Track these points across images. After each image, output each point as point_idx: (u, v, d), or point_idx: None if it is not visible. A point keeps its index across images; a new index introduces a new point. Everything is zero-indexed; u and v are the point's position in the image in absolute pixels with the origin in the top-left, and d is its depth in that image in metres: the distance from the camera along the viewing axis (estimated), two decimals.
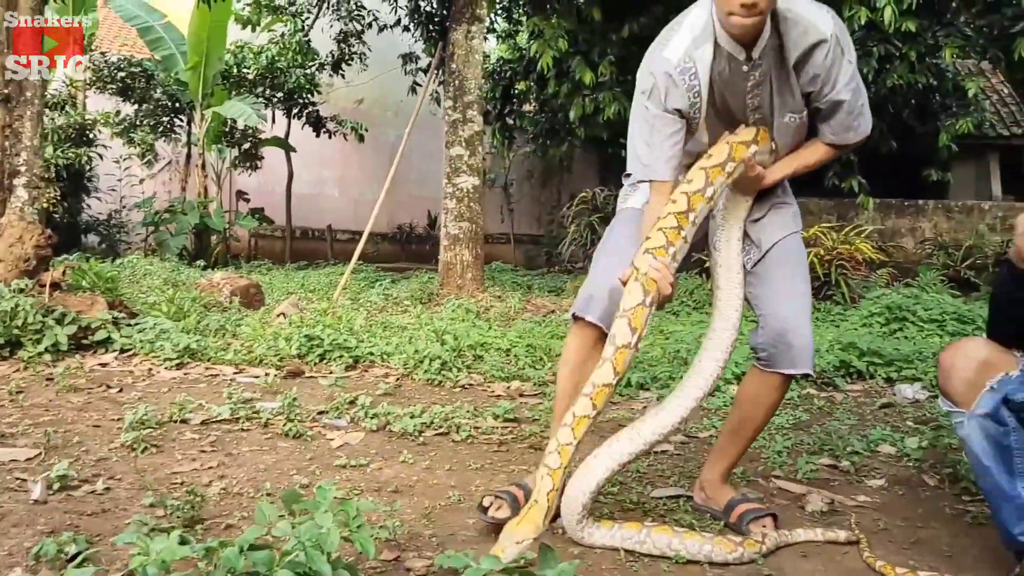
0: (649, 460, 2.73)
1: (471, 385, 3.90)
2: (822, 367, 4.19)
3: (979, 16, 8.08)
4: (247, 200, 13.22)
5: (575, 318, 2.06)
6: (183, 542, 1.42)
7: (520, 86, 12.13)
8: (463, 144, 7.03)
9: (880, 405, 3.71)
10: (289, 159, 13.13)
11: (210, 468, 2.50)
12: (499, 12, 11.97)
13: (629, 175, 2.26)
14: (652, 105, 1.91)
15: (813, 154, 2.10)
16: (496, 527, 1.92)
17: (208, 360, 4.09)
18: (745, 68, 1.89)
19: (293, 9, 12.23)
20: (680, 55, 1.87)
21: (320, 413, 3.17)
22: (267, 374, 3.79)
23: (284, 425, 2.92)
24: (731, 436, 2.22)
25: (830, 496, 2.43)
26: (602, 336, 1.99)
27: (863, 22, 7.02)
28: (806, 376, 2.11)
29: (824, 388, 4.09)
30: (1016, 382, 1.75)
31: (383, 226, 14.48)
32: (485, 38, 13.68)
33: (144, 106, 11.88)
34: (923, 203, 10.27)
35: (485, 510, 2.05)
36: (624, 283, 1.87)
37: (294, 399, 3.13)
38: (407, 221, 15.25)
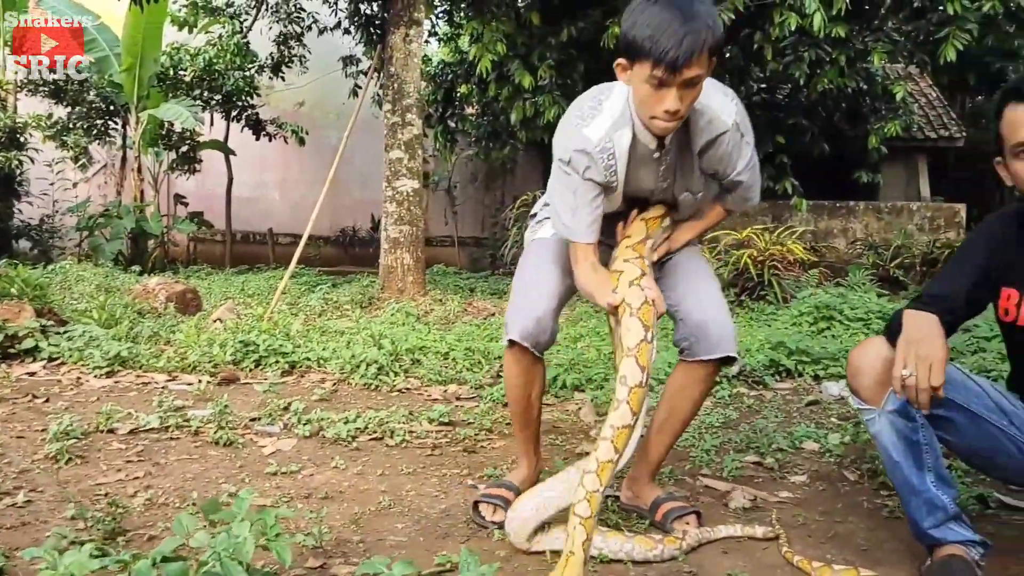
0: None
1: (408, 389, 3.89)
2: (752, 366, 4.30)
3: (906, 22, 8.35)
4: (185, 204, 12.94)
5: (510, 343, 2.10)
6: (102, 554, 1.39)
7: (462, 89, 12.13)
8: (402, 147, 7.00)
9: (807, 402, 3.80)
10: (228, 162, 12.90)
11: (136, 479, 2.45)
12: (440, 15, 11.96)
13: (535, 215, 2.37)
14: (573, 173, 1.97)
15: (713, 218, 2.31)
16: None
17: (140, 368, 4.01)
18: (656, 155, 1.99)
19: (231, 11, 12.04)
20: (601, 135, 1.93)
21: (253, 420, 3.14)
22: (200, 381, 3.73)
23: (215, 433, 2.88)
24: (658, 432, 2.26)
25: (753, 493, 2.49)
26: (536, 357, 2.10)
27: (793, 27, 7.20)
28: (730, 361, 2.13)
29: (754, 387, 4.19)
30: None
31: (325, 229, 14.33)
32: (427, 41, 13.66)
33: (77, 108, 11.54)
34: (854, 204, 10.58)
35: (481, 515, 2.17)
36: (614, 312, 1.91)
37: (225, 406, 3.09)
38: (350, 224, 15.12)
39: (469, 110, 13.19)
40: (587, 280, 2.02)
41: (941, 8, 7.74)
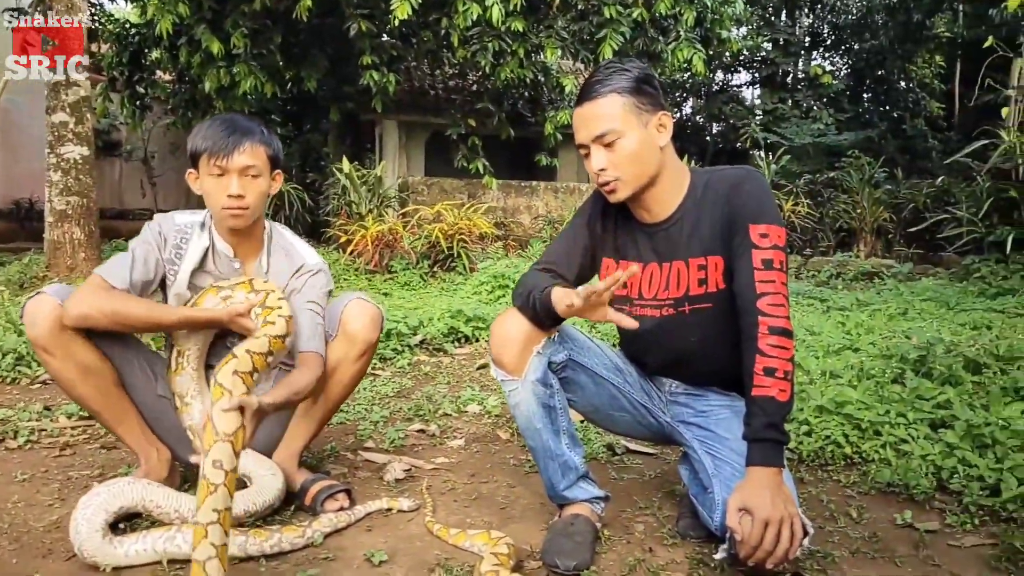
0: None
1: None
2: (433, 334, 4.25)
3: (573, 21, 8.87)
4: None
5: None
6: None
7: (155, 54, 10.79)
8: (67, 110, 5.98)
9: (478, 366, 3.82)
10: None
11: None
12: None
13: None
14: (140, 239, 1.96)
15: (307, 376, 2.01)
16: None
17: None
18: (237, 266, 2.01)
19: None
20: (184, 222, 1.99)
21: None
22: None
23: None
24: (303, 417, 2.07)
25: (410, 463, 2.39)
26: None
27: (475, 17, 7.28)
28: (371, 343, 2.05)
29: (435, 354, 4.15)
30: (556, 344, 1.79)
31: None
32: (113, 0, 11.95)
33: None
34: (536, 184, 11.12)
35: None
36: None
37: None
38: (28, 196, 12.91)
39: (166, 76, 11.79)
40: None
41: (600, 12, 8.33)
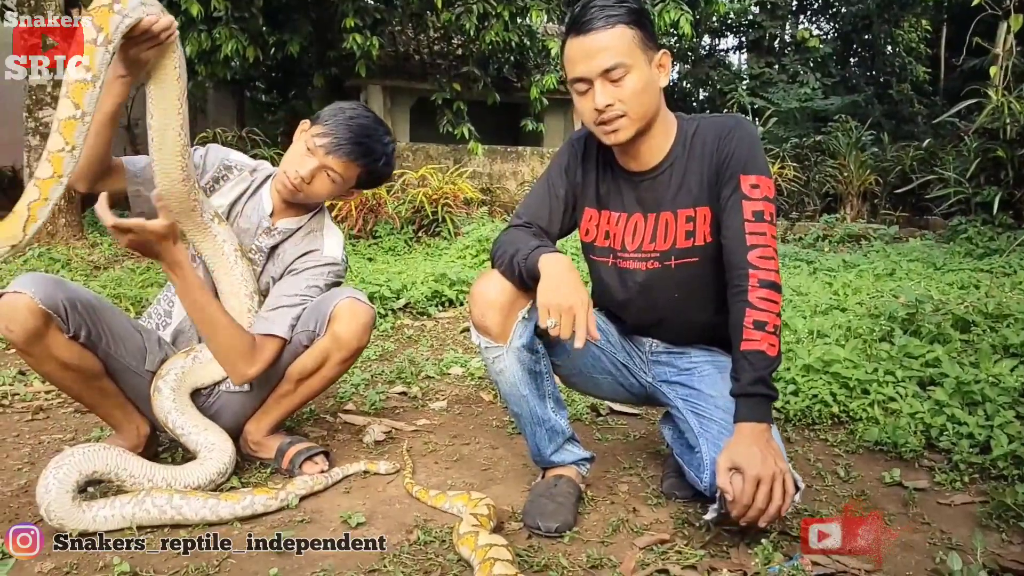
0: None
1: None
2: (416, 298, 4.17)
3: None
4: None
5: None
6: None
7: None
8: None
9: (461, 329, 3.74)
10: None
11: None
12: None
13: None
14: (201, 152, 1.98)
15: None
16: None
17: None
18: (267, 224, 1.96)
19: None
20: (238, 161, 2.00)
21: None
22: None
23: None
24: (278, 399, 1.98)
25: (391, 425, 2.32)
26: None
27: None
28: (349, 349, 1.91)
29: (418, 317, 4.06)
30: None
31: None
32: None
33: None
34: (522, 149, 10.97)
35: None
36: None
37: None
38: (10, 163, 12.63)
39: None
40: None
41: None
